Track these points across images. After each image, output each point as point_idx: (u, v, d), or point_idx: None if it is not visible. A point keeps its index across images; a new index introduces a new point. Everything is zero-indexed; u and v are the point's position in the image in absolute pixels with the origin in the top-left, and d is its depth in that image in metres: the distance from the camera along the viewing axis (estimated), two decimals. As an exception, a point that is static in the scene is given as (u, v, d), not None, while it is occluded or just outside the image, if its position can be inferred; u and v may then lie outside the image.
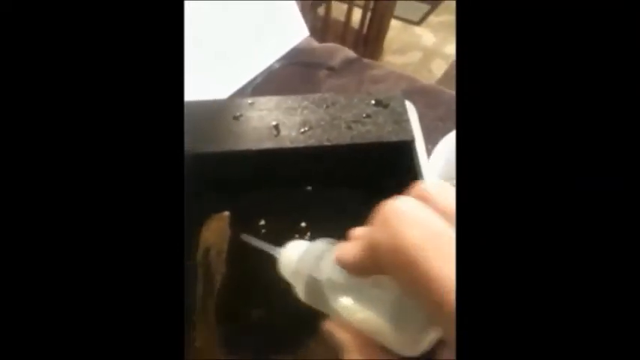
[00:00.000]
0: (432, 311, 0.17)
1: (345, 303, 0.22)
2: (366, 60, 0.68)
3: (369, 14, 1.35)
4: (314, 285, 0.23)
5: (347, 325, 0.22)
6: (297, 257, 0.25)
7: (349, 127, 0.42)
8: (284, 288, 0.26)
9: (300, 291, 0.25)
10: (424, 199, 0.20)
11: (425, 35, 2.18)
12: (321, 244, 0.25)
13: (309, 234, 0.42)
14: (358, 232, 0.22)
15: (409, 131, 0.42)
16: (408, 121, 0.43)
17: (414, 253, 0.17)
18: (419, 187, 0.21)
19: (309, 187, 0.44)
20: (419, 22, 2.24)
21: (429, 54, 2.09)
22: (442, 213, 0.19)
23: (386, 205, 0.19)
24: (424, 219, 0.18)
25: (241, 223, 0.40)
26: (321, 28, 1.32)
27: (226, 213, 0.41)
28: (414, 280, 0.17)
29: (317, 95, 0.44)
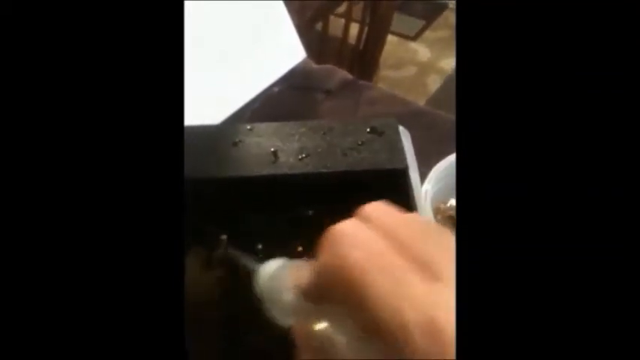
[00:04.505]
0: (370, 330, 0.17)
1: (315, 325, 0.22)
2: (361, 82, 0.70)
3: (366, 29, 1.37)
4: (283, 304, 0.24)
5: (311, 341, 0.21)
6: (271, 275, 0.25)
7: (345, 155, 0.43)
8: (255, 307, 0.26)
9: (270, 310, 0.25)
10: (366, 220, 0.21)
11: (420, 50, 2.21)
12: (296, 264, 0.25)
13: (304, 258, 0.43)
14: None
15: (403, 159, 0.43)
16: (402, 148, 0.44)
17: (355, 272, 0.18)
18: (361, 209, 0.22)
19: (306, 213, 0.45)
20: (414, 38, 2.27)
21: (425, 69, 2.12)
22: (383, 232, 0.20)
23: (331, 228, 0.20)
24: (364, 239, 0.19)
25: (239, 247, 0.42)
26: (318, 44, 1.33)
27: (224, 237, 0.42)
28: (356, 299, 0.18)
29: (314, 122, 0.46)
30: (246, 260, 0.29)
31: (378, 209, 0.21)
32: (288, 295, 0.24)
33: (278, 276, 0.25)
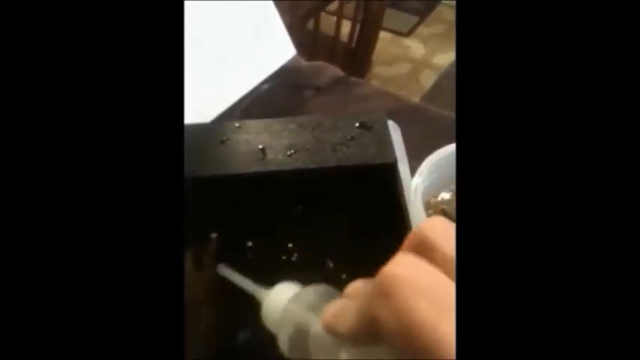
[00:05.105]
0: None
1: None
2: (352, 79, 0.69)
3: (358, 26, 1.37)
4: (302, 339, 0.21)
5: None
6: (285, 304, 0.23)
7: (334, 150, 0.43)
8: (266, 337, 0.24)
9: (284, 343, 0.23)
10: (425, 248, 0.18)
11: (414, 46, 2.21)
12: (314, 292, 0.23)
13: (295, 255, 0.43)
14: (351, 292, 0.20)
15: (392, 153, 0.43)
16: (391, 143, 0.44)
17: (429, 332, 0.16)
18: (417, 233, 0.19)
19: (296, 209, 0.45)
20: (408, 34, 2.27)
21: (418, 65, 2.11)
22: (446, 261, 0.18)
23: (384, 271, 0.18)
24: (429, 285, 0.17)
25: (229, 245, 0.41)
26: (310, 42, 1.33)
27: (214, 235, 0.42)
28: (421, 346, 0.16)
29: (303, 117, 0.46)
30: (247, 285, 0.27)
31: (436, 231, 0.19)
32: (300, 329, 0.22)
33: (290, 309, 0.23)
